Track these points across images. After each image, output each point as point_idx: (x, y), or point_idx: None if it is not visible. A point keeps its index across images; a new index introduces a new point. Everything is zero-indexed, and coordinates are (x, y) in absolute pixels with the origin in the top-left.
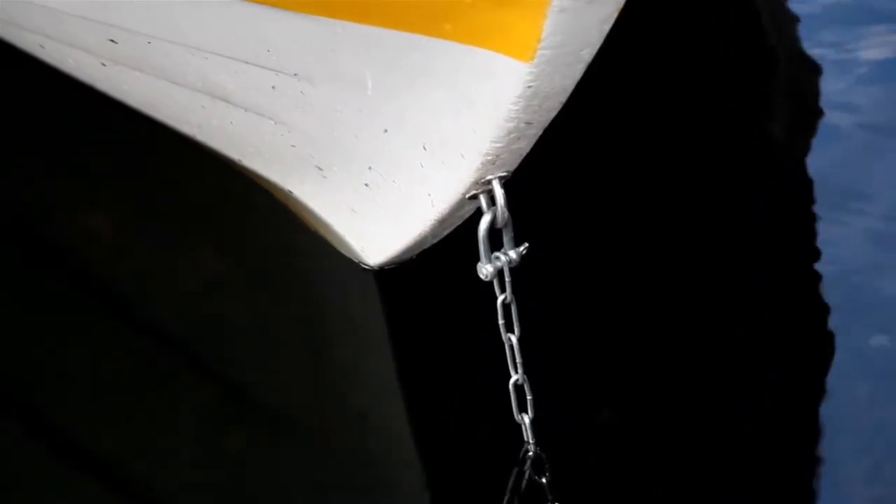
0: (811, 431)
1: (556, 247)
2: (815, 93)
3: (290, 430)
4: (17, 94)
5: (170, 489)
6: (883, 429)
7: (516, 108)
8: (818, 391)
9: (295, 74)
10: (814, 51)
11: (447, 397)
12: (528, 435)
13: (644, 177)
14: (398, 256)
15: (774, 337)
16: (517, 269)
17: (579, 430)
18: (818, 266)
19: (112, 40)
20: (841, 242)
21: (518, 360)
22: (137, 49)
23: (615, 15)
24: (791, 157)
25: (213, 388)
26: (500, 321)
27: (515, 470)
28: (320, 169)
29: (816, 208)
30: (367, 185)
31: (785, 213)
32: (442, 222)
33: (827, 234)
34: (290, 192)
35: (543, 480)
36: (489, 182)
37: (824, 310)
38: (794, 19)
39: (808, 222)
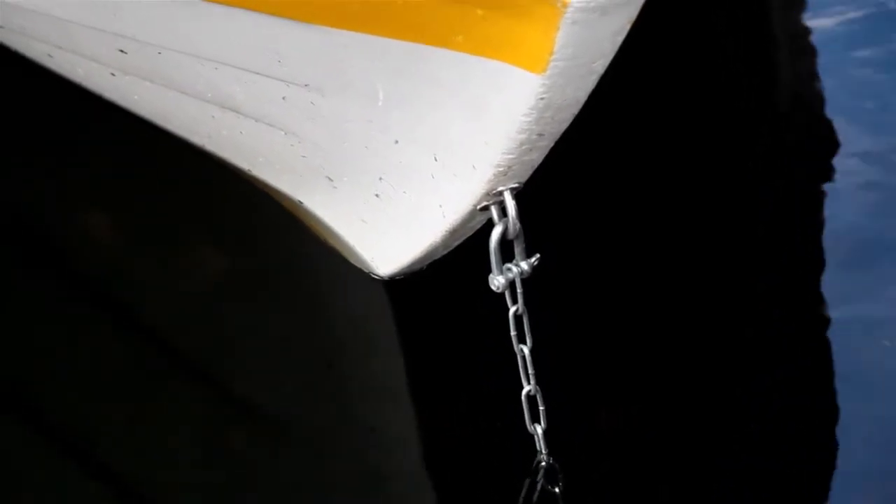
0: (818, 431)
1: (567, 257)
2: (821, 97)
3: (300, 440)
4: (17, 95)
5: (170, 490)
6: (892, 428)
7: (528, 119)
8: (826, 390)
9: (306, 85)
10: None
11: (458, 408)
12: (541, 445)
13: (654, 184)
14: (409, 267)
15: (783, 336)
16: (528, 280)
17: (589, 437)
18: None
19: (122, 50)
20: None
21: (531, 370)
22: (147, 60)
23: (628, 27)
24: (799, 157)
25: (216, 395)
26: (513, 332)
27: (528, 480)
28: (331, 179)
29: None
30: (377, 195)
31: (793, 213)
32: (453, 233)
33: None
34: (301, 202)
35: (556, 490)
36: (500, 193)
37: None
38: (806, 31)
39: (816, 222)
